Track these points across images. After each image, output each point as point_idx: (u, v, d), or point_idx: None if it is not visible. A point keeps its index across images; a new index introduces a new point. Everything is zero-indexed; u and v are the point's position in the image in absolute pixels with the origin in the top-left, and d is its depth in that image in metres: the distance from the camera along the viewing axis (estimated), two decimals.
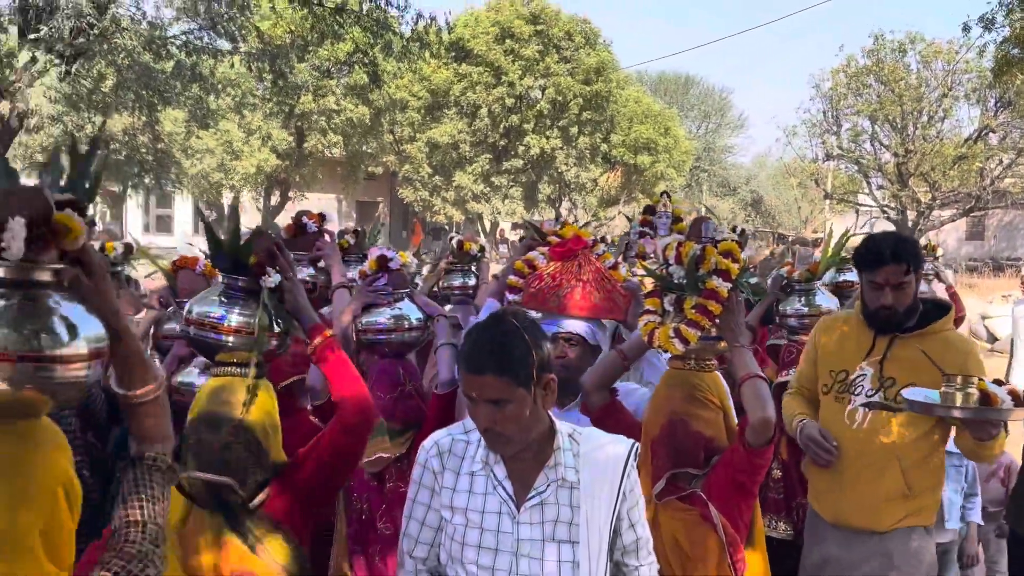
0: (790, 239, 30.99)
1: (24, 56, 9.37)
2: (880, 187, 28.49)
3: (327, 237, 4.47)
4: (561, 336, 3.34)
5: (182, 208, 29.79)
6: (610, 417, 3.05)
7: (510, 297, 3.56)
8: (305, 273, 4.48)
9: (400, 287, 3.63)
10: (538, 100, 27.35)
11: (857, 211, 30.60)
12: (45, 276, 1.52)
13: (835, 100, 27.21)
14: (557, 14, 27.38)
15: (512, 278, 3.63)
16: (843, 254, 4.77)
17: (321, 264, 4.49)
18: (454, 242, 5.60)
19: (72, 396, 1.56)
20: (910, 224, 26.58)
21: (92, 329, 1.55)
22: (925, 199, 26.51)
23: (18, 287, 1.49)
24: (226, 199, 25.60)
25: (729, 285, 2.80)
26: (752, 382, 2.75)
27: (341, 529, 3.35)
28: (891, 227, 27.81)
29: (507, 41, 26.62)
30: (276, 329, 2.62)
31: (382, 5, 11.54)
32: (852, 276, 5.36)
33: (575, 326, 3.36)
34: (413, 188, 28.64)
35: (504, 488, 2.26)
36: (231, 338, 2.56)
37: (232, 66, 12.96)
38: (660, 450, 2.85)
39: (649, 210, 4.92)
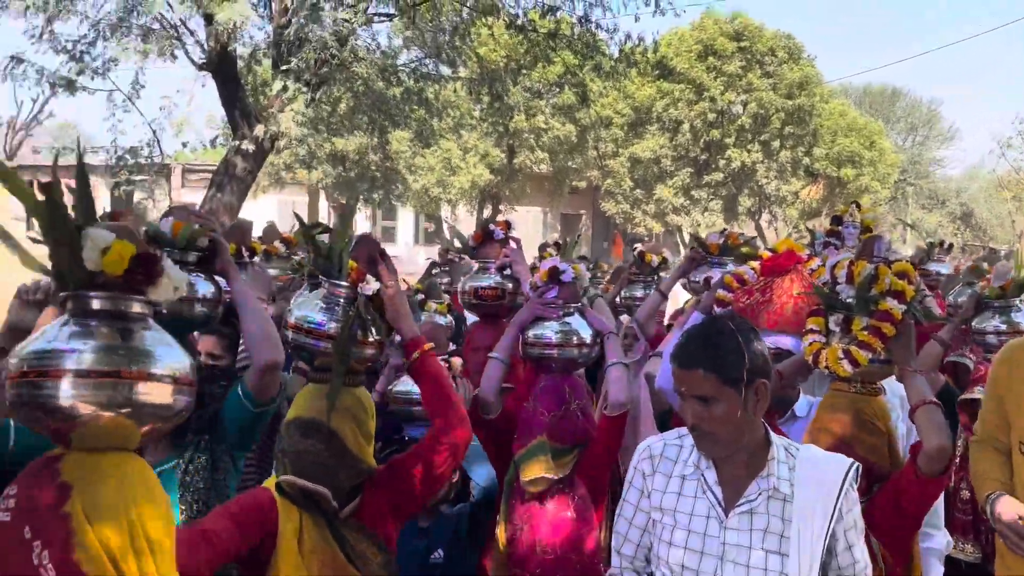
0: (1002, 253, 29.46)
1: (277, 85, 10.20)
2: None
3: (513, 244, 4.43)
4: (771, 352, 2.87)
5: (405, 220, 31.84)
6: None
7: (718, 312, 3.43)
8: (492, 279, 4.50)
9: (572, 301, 3.51)
10: (739, 115, 27.51)
11: None
12: (137, 308, 1.72)
13: None
14: (760, 30, 27.46)
15: (721, 292, 3.57)
16: None
17: (508, 272, 4.47)
18: (635, 253, 5.62)
19: (158, 423, 1.69)
20: None
21: (176, 359, 1.72)
22: None
23: (118, 317, 1.69)
24: (444, 211, 27.26)
25: (904, 307, 2.71)
26: (926, 408, 2.64)
27: (500, 548, 3.25)
28: None
29: (710, 58, 26.96)
30: (372, 338, 2.59)
31: (592, 29, 12.22)
32: None
33: (784, 341, 3.32)
34: (615, 201, 29.38)
35: (714, 493, 2.26)
36: (328, 344, 2.54)
37: (454, 91, 13.76)
38: None
39: (836, 220, 4.71)
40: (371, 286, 2.56)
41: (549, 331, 3.43)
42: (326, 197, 24.81)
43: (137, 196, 13.74)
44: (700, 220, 28.33)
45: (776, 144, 27.65)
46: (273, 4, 10.72)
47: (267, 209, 25.10)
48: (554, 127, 24.92)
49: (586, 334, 3.46)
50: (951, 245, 6.79)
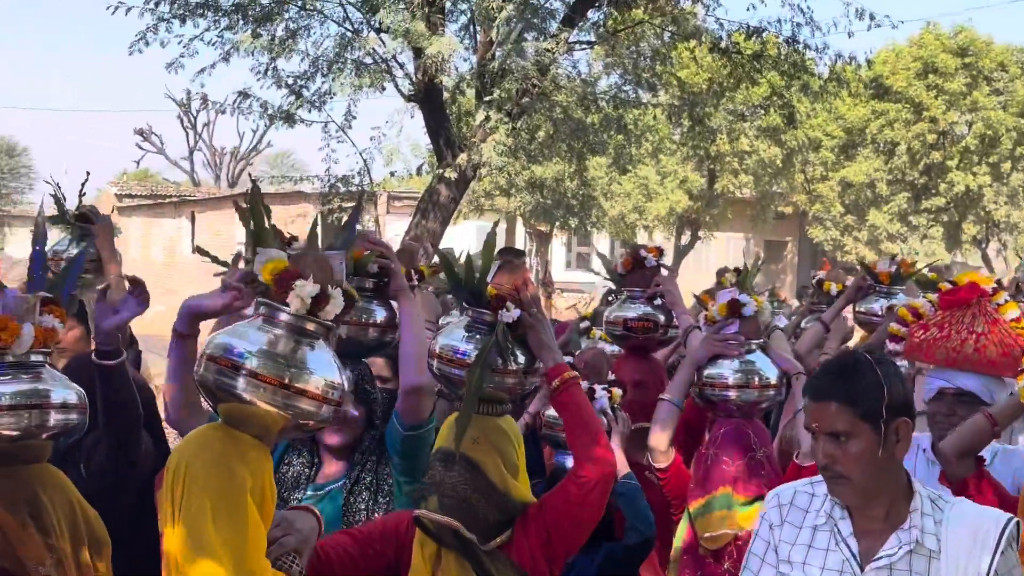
0: None
1: (480, 115, 10.34)
2: None
3: (664, 271, 4.22)
4: (948, 392, 3.04)
5: (600, 246, 31.92)
6: (974, 489, 2.70)
7: (891, 347, 3.25)
8: (641, 310, 4.21)
9: (753, 337, 3.28)
10: (964, 135, 25.83)
11: None
12: (311, 326, 1.97)
13: None
14: (988, 45, 25.73)
15: (894, 326, 3.33)
16: None
17: (658, 302, 4.19)
18: (814, 281, 5.35)
19: (295, 430, 2.00)
20: None
21: (329, 374, 1.96)
22: None
23: (298, 333, 1.97)
24: (641, 237, 27.11)
25: None
26: None
27: None
28: None
29: (930, 76, 25.49)
30: (512, 366, 2.54)
31: (800, 49, 11.78)
32: None
33: (965, 382, 3.04)
34: (823, 227, 28.24)
35: (848, 546, 2.05)
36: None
37: (654, 117, 13.58)
38: None
39: None
40: (511, 313, 2.51)
41: (728, 371, 3.18)
42: (523, 223, 25.17)
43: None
44: (918, 248, 26.73)
45: (1007, 166, 25.76)
46: (478, 36, 10.98)
47: (467, 235, 25.80)
48: (759, 149, 24.25)
49: (770, 374, 3.21)
50: None
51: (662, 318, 4.27)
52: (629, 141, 13.84)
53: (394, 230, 17.20)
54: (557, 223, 22.94)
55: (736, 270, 5.08)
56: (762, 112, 21.09)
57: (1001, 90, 25.48)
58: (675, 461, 3.25)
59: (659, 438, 3.20)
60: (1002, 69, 25.54)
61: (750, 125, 22.96)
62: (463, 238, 26.06)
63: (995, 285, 3.35)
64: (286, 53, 10.55)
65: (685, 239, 27.20)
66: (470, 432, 2.37)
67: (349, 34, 10.72)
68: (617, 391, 3.68)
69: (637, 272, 4.30)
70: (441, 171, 10.77)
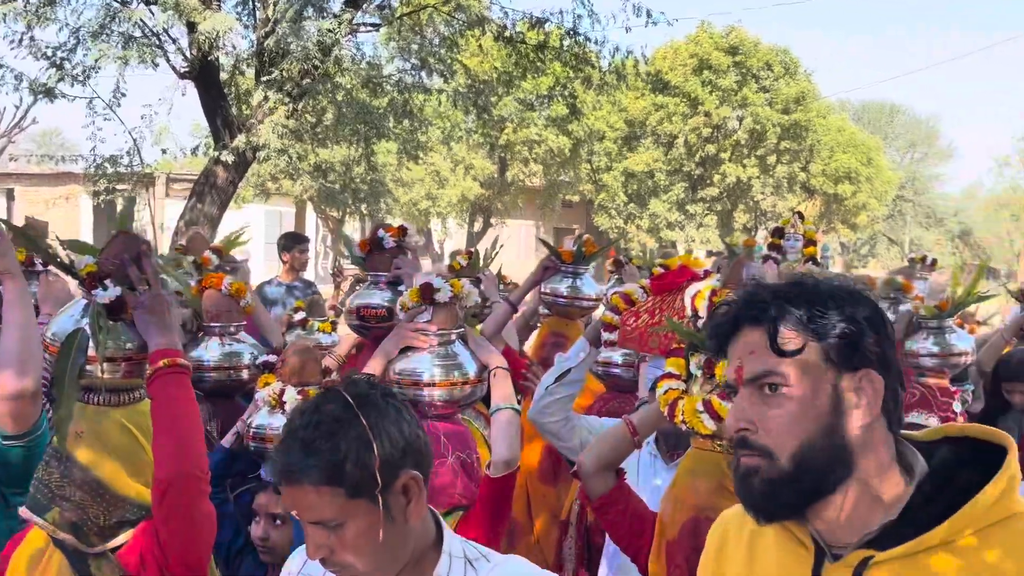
0: (1001, 274, 29.48)
1: (259, 95, 10.05)
2: None
3: (409, 255, 3.79)
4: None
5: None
6: (616, 506, 2.40)
7: (605, 336, 2.92)
8: (380, 297, 3.72)
9: (450, 327, 2.85)
10: (735, 129, 27.45)
11: None
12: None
13: None
14: (756, 45, 27.44)
15: (607, 314, 2.95)
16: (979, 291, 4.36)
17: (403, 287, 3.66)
18: (608, 263, 5.22)
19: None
20: None
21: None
22: None
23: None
24: (434, 225, 27.16)
25: None
26: None
27: None
28: None
29: (705, 72, 26.93)
30: (120, 352, 2.20)
31: (581, 41, 12.07)
32: None
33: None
34: (608, 216, 29.28)
35: None
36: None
37: (439, 103, 13.61)
38: (678, 555, 2.21)
39: (778, 232, 4.32)
40: (109, 292, 2.17)
41: (421, 365, 2.76)
42: (314, 209, 24.64)
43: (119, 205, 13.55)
44: (695, 235, 28.24)
45: (772, 159, 27.58)
46: (257, 13, 10.58)
47: (254, 220, 24.98)
48: (547, 139, 24.82)
49: (470, 368, 2.81)
50: (935, 261, 6.52)
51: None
52: (417, 127, 13.76)
53: (173, 214, 16.36)
54: (348, 209, 22.55)
55: (469, 252, 5.04)
56: (548, 102, 21.61)
57: (768, 88, 27.23)
58: None
59: None
60: (768, 68, 27.30)
61: (538, 115, 23.44)
62: (251, 223, 25.23)
63: (707, 268, 3.13)
64: (43, 22, 9.74)
65: (478, 226, 27.48)
66: (74, 426, 2.09)
67: (116, 4, 10.04)
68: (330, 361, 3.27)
69: (376, 255, 3.79)
70: (218, 153, 10.33)
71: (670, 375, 2.38)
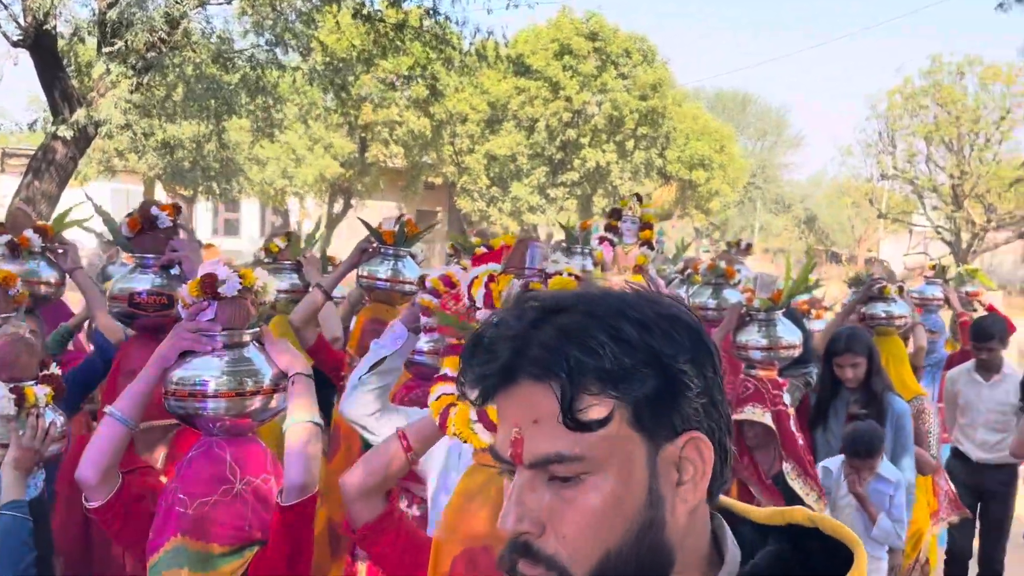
0: (843, 258, 31.06)
1: (99, 68, 9.59)
2: (935, 208, 28.51)
3: (182, 234, 3.43)
4: None
5: (250, 212, 30.83)
6: (384, 536, 2.07)
7: (424, 321, 2.60)
8: (151, 281, 3.38)
9: (240, 325, 2.41)
10: (595, 115, 27.84)
11: (911, 231, 30.59)
12: None
13: (891, 120, 27.35)
14: (615, 32, 27.86)
15: (425, 298, 2.52)
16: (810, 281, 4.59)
17: (176, 271, 3.40)
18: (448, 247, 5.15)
19: None
20: (964, 246, 26.53)
21: None
22: (980, 221, 26.46)
23: None
24: (291, 204, 26.51)
25: None
26: None
27: None
28: (945, 248, 27.77)
29: (566, 57, 27.16)
30: None
31: (442, 21, 11.96)
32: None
33: None
34: (471, 198, 29.27)
35: None
36: None
37: (294, 81, 13.29)
38: None
39: (615, 214, 4.16)
40: None
41: (205, 374, 2.29)
42: (163, 187, 23.66)
43: None
44: (556, 219, 28.52)
45: (630, 145, 28.11)
46: None
47: (100, 198, 23.77)
48: (408, 120, 24.56)
49: (265, 376, 2.36)
50: (749, 245, 6.73)
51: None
52: (272, 104, 13.38)
53: (7, 191, 15.39)
54: (200, 188, 21.72)
55: (287, 233, 4.79)
56: (410, 83, 21.39)
57: (626, 74, 27.72)
58: (119, 496, 2.34)
59: (87, 469, 2.27)
60: (627, 55, 27.78)
61: (399, 95, 23.17)
62: (97, 200, 23.99)
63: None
64: None
65: (338, 207, 27.00)
66: None
67: None
68: (39, 391, 2.90)
69: (148, 234, 3.42)
70: (56, 128, 9.76)
71: (445, 377, 1.97)
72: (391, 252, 4.13)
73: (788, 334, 4.15)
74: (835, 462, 4.35)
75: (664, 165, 29.04)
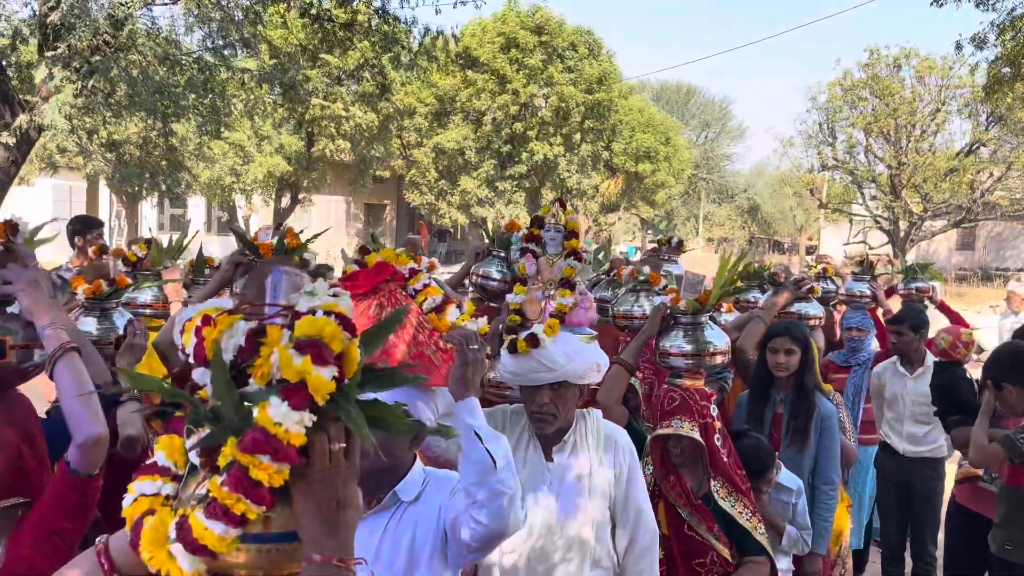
0: (785, 247, 31.58)
1: (42, 72, 9.38)
2: (874, 197, 29.09)
3: (19, 263, 2.59)
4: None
5: (196, 207, 30.41)
6: None
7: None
8: None
9: None
10: (541, 108, 27.96)
11: (851, 221, 31.20)
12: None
13: (831, 112, 27.82)
14: (561, 25, 27.99)
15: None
16: (740, 281, 4.34)
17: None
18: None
19: None
20: (902, 234, 27.17)
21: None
22: (917, 210, 27.09)
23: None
24: (238, 202, 26.24)
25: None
26: None
27: None
28: (884, 237, 28.40)
29: (512, 51, 27.24)
30: None
31: (391, 20, 11.93)
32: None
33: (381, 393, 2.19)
34: (419, 192, 29.25)
35: None
36: None
37: (243, 84, 13.14)
38: None
39: (537, 222, 3.73)
40: None
41: None
42: (107, 184, 23.26)
43: None
44: (504, 212, 28.64)
45: (577, 138, 28.30)
46: None
47: (42, 196, 23.33)
48: (355, 115, 24.45)
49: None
50: (680, 242, 6.26)
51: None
52: (219, 103, 13.20)
53: None
54: (145, 186, 21.39)
55: (147, 240, 4.34)
56: (357, 78, 21.26)
57: (572, 68, 27.88)
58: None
59: None
60: (572, 48, 27.95)
61: (346, 90, 23.03)
62: (38, 199, 23.54)
63: (413, 266, 2.85)
64: None
65: (285, 202, 26.82)
66: None
67: None
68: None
69: None
70: None
71: (152, 467, 1.40)
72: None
73: (716, 339, 3.74)
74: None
75: (611, 157, 29.30)
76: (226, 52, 11.90)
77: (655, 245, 6.38)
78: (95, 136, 14.90)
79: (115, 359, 3.18)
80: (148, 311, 4.17)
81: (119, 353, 3.22)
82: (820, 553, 4.35)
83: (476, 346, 2.45)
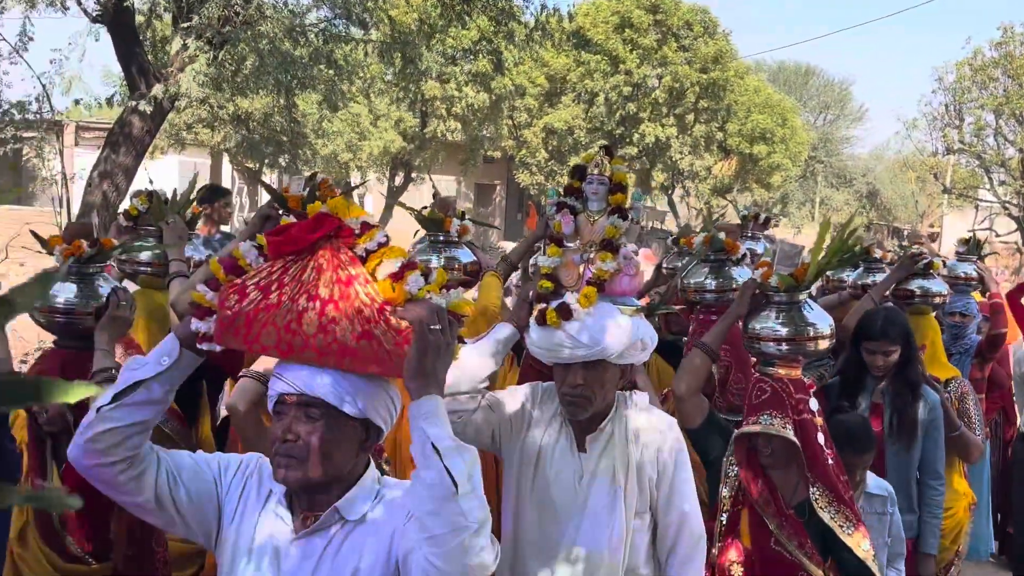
0: (905, 233, 30.46)
1: (177, 43, 9.79)
2: (1002, 183, 27.83)
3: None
4: (290, 401, 1.91)
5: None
6: None
7: (195, 326, 1.91)
8: None
9: None
10: (655, 88, 27.63)
11: (977, 207, 29.93)
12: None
13: (959, 93, 26.68)
14: (676, 4, 27.56)
15: (198, 290, 1.92)
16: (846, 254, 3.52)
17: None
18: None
19: None
20: None
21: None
22: None
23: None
24: (354, 178, 26.79)
25: None
26: None
27: None
28: (1012, 224, 27.15)
29: (626, 30, 26.99)
30: None
31: None
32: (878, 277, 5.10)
33: (312, 383, 1.89)
34: (529, 172, 29.30)
35: None
36: None
37: (365, 55, 13.41)
38: None
39: (578, 172, 3.09)
40: None
41: None
42: (230, 160, 24.06)
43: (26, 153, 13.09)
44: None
45: (690, 119, 27.88)
46: None
47: (168, 171, 24.27)
48: (467, 95, 24.63)
49: None
50: (768, 219, 6.07)
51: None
52: (340, 77, 13.53)
53: (82, 164, 15.84)
54: (266, 161, 22.07)
55: (150, 194, 4.31)
56: (471, 57, 21.42)
57: (687, 47, 27.45)
58: None
59: None
60: (688, 27, 27.49)
61: (460, 69, 23.21)
62: (164, 174, 24.49)
63: (366, 220, 1.98)
64: None
65: (399, 180, 27.24)
66: None
67: None
68: None
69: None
70: (134, 103, 10.03)
71: None
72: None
73: (818, 321, 3.21)
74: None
75: (724, 139, 28.75)
76: (347, 24, 12.18)
77: (742, 218, 6.06)
78: (224, 109, 15.43)
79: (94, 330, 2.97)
80: (148, 270, 4.10)
81: (99, 325, 3.00)
82: (931, 553, 4.12)
83: (439, 326, 1.81)
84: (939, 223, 36.87)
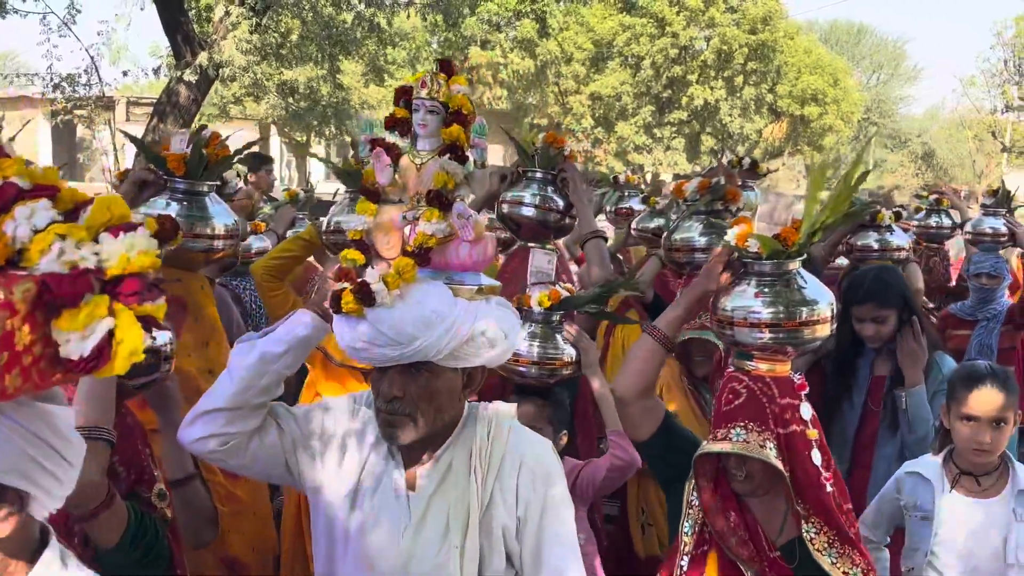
0: (963, 195, 29.72)
1: (219, 10, 9.91)
2: None
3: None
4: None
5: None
6: None
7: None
8: None
9: None
10: (702, 51, 27.23)
11: None
12: None
13: (1018, 48, 25.92)
14: None
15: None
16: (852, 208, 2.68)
17: None
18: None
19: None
20: None
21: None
22: None
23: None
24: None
25: None
26: None
27: None
28: None
29: None
30: None
31: None
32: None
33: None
34: (576, 139, 29.10)
35: None
36: None
37: (408, 16, 13.36)
38: None
39: (402, 95, 2.12)
40: None
41: None
42: (278, 132, 24.23)
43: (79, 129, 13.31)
44: (662, 159, 28.18)
45: (739, 81, 27.45)
46: None
47: None
48: (512, 61, 24.50)
49: None
50: (755, 163, 5.31)
51: None
52: (383, 45, 13.52)
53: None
54: (314, 133, 22.20)
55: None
56: (516, 22, 21.24)
57: (735, 8, 26.97)
58: None
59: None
60: None
61: (505, 36, 23.07)
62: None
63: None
64: None
65: None
66: None
67: None
68: None
69: None
70: (180, 72, 10.12)
71: None
72: None
73: (817, 296, 2.23)
74: (920, 466, 2.87)
75: (775, 101, 28.28)
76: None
77: (728, 164, 5.20)
78: (270, 80, 15.53)
79: None
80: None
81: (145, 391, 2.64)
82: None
83: None
84: (998, 183, 35.89)
